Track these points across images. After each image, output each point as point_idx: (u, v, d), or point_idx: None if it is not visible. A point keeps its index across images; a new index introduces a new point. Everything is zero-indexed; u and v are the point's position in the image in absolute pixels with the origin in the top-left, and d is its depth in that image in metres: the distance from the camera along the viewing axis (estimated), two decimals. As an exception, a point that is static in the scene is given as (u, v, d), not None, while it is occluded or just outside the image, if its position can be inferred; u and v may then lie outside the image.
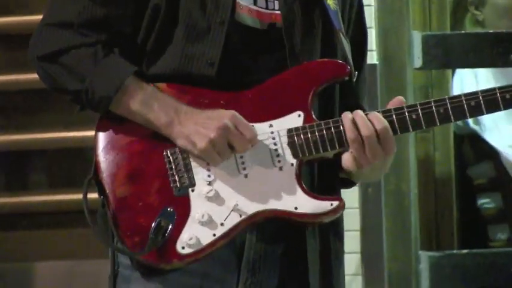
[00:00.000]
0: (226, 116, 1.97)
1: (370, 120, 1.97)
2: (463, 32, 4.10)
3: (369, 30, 3.46)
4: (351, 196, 3.44)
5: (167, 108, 2.02)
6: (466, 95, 1.98)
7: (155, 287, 2.04)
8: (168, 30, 2.06)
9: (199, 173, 2.03)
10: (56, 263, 5.39)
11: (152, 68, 2.04)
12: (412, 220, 3.72)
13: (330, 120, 2.01)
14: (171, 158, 2.02)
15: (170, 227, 1.99)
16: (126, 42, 2.09)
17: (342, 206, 1.99)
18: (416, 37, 4.01)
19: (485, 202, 4.51)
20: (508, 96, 1.98)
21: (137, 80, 2.03)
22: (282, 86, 2.09)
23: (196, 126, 2.00)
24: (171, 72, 2.04)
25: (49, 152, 5.63)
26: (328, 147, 2.00)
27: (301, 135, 2.00)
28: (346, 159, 1.98)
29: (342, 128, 1.99)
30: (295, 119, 2.03)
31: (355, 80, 2.11)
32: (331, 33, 2.13)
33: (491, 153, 4.45)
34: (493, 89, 1.96)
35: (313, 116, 2.02)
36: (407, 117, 1.99)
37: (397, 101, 1.99)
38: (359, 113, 1.96)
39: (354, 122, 1.97)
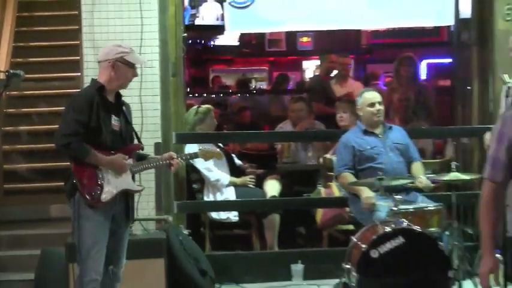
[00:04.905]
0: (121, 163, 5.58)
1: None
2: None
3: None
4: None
5: (104, 161, 5.51)
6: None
7: (95, 213, 5.48)
8: (95, 133, 5.48)
9: (107, 176, 5.50)
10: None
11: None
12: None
13: (145, 161, 5.81)
14: (98, 171, 5.48)
15: (99, 192, 5.49)
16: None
17: (142, 189, 5.95)
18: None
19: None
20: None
21: (94, 152, 5.44)
22: (129, 151, 5.74)
23: (112, 166, 5.53)
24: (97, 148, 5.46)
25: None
26: (144, 169, 5.84)
27: (135, 167, 5.77)
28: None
29: (156, 163, 5.85)
30: (130, 161, 5.68)
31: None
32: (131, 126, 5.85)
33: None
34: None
35: (135, 160, 5.73)
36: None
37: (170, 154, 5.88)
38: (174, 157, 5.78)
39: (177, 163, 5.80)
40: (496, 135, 3.78)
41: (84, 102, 5.44)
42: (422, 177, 7.28)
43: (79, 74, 7.94)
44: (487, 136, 6.64)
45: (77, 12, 7.74)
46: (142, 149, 5.94)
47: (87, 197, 5.44)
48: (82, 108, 5.42)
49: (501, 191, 3.81)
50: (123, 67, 5.62)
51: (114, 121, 5.60)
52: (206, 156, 6.22)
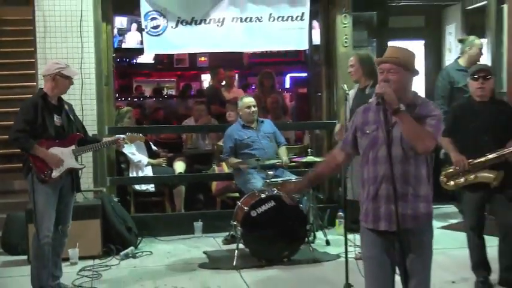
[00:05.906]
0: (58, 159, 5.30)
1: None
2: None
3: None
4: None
5: (44, 153, 5.25)
6: None
7: (46, 187, 5.29)
8: (42, 128, 5.26)
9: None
10: None
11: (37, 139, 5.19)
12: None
13: (85, 146, 5.56)
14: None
15: (50, 171, 5.30)
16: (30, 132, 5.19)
17: (84, 166, 5.91)
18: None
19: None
20: None
21: (36, 146, 5.21)
22: (71, 139, 5.48)
23: (48, 159, 5.23)
24: (46, 139, 5.25)
25: None
26: (84, 152, 5.66)
27: (78, 152, 5.53)
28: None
29: (99, 146, 5.65)
30: (73, 146, 5.46)
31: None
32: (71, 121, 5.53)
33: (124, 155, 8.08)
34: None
35: (77, 145, 5.47)
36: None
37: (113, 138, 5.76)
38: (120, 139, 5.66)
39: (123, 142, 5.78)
40: (351, 123, 3.87)
41: (31, 106, 5.30)
42: (284, 158, 7.30)
43: (34, 83, 7.81)
44: (336, 128, 6.66)
45: (32, 38, 7.64)
46: (82, 137, 5.70)
47: (42, 176, 5.28)
48: (29, 110, 5.28)
49: (344, 157, 3.87)
50: (61, 79, 5.46)
51: (56, 119, 5.43)
52: (131, 139, 6.06)
